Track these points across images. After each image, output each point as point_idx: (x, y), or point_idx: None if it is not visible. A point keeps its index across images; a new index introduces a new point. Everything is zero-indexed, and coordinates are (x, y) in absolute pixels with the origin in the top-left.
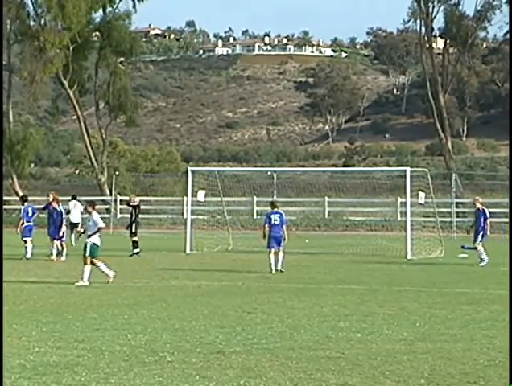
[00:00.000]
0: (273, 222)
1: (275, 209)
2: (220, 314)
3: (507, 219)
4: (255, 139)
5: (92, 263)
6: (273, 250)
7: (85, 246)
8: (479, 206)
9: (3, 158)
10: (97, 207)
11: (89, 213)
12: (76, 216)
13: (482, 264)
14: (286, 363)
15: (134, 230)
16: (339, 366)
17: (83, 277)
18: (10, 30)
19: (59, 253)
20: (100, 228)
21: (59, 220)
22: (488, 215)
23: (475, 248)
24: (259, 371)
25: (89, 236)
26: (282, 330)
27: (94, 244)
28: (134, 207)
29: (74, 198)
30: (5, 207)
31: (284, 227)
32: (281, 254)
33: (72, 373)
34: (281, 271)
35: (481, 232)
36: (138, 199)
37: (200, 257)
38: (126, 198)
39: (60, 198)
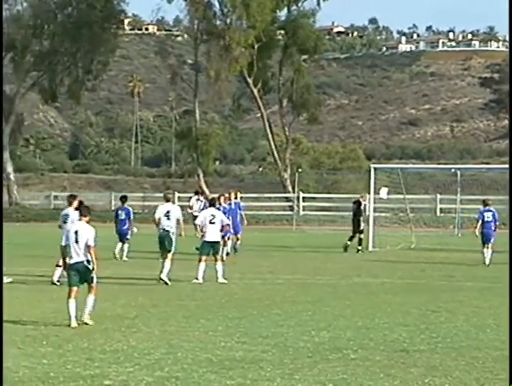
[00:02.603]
0: (485, 219)
1: (487, 207)
2: (403, 312)
3: None
4: (438, 136)
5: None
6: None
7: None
8: None
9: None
10: (279, 203)
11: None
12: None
13: None
14: (471, 362)
15: (360, 227)
16: None
17: (198, 276)
18: (197, 30)
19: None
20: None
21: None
22: None
23: None
24: (444, 370)
25: (202, 236)
26: (467, 329)
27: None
28: (358, 204)
29: (196, 193)
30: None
31: (497, 224)
32: (489, 250)
33: (258, 368)
34: (488, 265)
35: None
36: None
37: (383, 255)
38: (315, 195)
39: (244, 195)
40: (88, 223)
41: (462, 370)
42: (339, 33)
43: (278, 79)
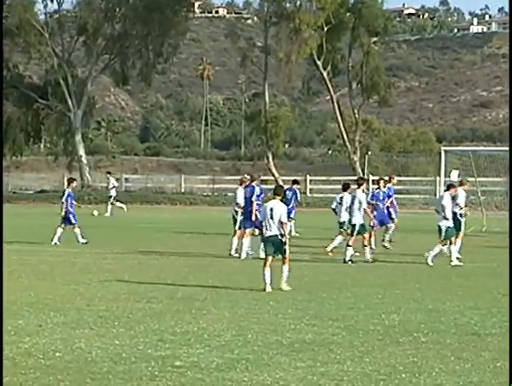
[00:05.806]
0: None
1: None
2: (474, 296)
3: None
4: None
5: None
6: None
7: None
8: None
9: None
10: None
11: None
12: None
13: None
14: None
15: None
16: None
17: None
18: (267, 12)
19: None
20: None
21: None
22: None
23: None
24: None
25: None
26: None
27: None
28: None
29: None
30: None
31: None
32: None
33: (328, 351)
34: None
35: None
36: None
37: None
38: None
39: (313, 178)
40: (282, 201)
41: None
42: (409, 15)
43: (348, 61)
